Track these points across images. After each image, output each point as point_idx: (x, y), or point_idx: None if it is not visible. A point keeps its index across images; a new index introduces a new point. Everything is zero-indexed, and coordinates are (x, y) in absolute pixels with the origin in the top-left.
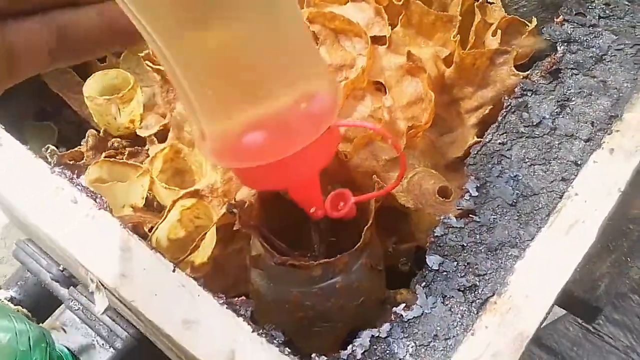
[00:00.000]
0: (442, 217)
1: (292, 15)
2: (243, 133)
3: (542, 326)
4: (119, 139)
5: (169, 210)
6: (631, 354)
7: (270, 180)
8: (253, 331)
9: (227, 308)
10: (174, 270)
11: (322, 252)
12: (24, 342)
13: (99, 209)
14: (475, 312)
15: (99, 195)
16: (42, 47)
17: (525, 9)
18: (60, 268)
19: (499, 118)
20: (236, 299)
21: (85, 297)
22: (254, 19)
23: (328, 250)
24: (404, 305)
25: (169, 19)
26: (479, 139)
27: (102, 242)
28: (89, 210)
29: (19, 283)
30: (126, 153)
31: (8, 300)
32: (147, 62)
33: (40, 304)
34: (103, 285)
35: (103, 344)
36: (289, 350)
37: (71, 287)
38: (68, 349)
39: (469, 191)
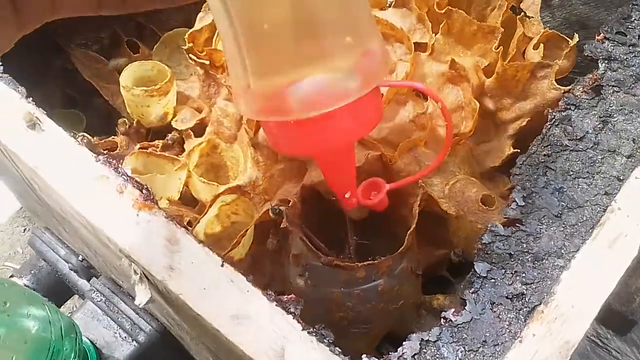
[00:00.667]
0: (489, 225)
1: None
2: (294, 83)
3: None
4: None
5: (210, 205)
6: None
7: (307, 142)
8: (303, 329)
9: (276, 305)
10: (222, 265)
11: (355, 253)
12: (56, 332)
13: (145, 200)
14: (523, 319)
15: (145, 186)
16: None
17: (549, 25)
18: (80, 258)
19: (544, 130)
20: (285, 296)
21: (108, 288)
22: None
23: (360, 253)
24: (452, 310)
25: None
26: (516, 150)
27: (149, 233)
28: (135, 201)
29: (32, 271)
30: (160, 145)
31: None
32: (190, 55)
33: (52, 293)
34: (147, 278)
35: (125, 337)
36: (339, 350)
37: (93, 278)
38: (91, 342)
39: (515, 200)
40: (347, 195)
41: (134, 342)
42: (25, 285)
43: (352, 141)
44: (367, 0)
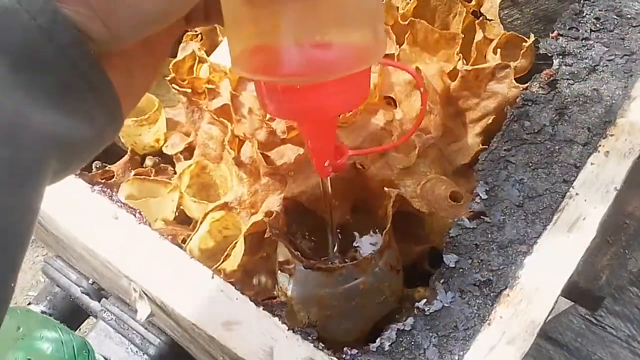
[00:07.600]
0: (455, 220)
1: None
2: (304, 47)
3: (548, 319)
4: (152, 157)
5: (200, 223)
6: (632, 343)
7: (297, 109)
8: (289, 329)
9: (263, 309)
10: (212, 277)
11: (338, 254)
12: (69, 351)
13: (139, 223)
14: (491, 304)
15: (138, 211)
16: None
17: (519, 22)
18: (90, 281)
19: (503, 127)
20: (270, 300)
21: (117, 307)
22: None
23: (347, 254)
24: (425, 300)
25: None
26: (484, 147)
27: (143, 253)
28: (130, 225)
29: (48, 297)
30: (154, 170)
31: None
32: (173, 85)
33: (68, 316)
34: (145, 294)
35: (137, 351)
36: (323, 345)
37: (103, 299)
38: (105, 359)
39: (479, 195)
40: (326, 164)
41: (145, 356)
42: (42, 311)
43: (340, 113)
44: None
